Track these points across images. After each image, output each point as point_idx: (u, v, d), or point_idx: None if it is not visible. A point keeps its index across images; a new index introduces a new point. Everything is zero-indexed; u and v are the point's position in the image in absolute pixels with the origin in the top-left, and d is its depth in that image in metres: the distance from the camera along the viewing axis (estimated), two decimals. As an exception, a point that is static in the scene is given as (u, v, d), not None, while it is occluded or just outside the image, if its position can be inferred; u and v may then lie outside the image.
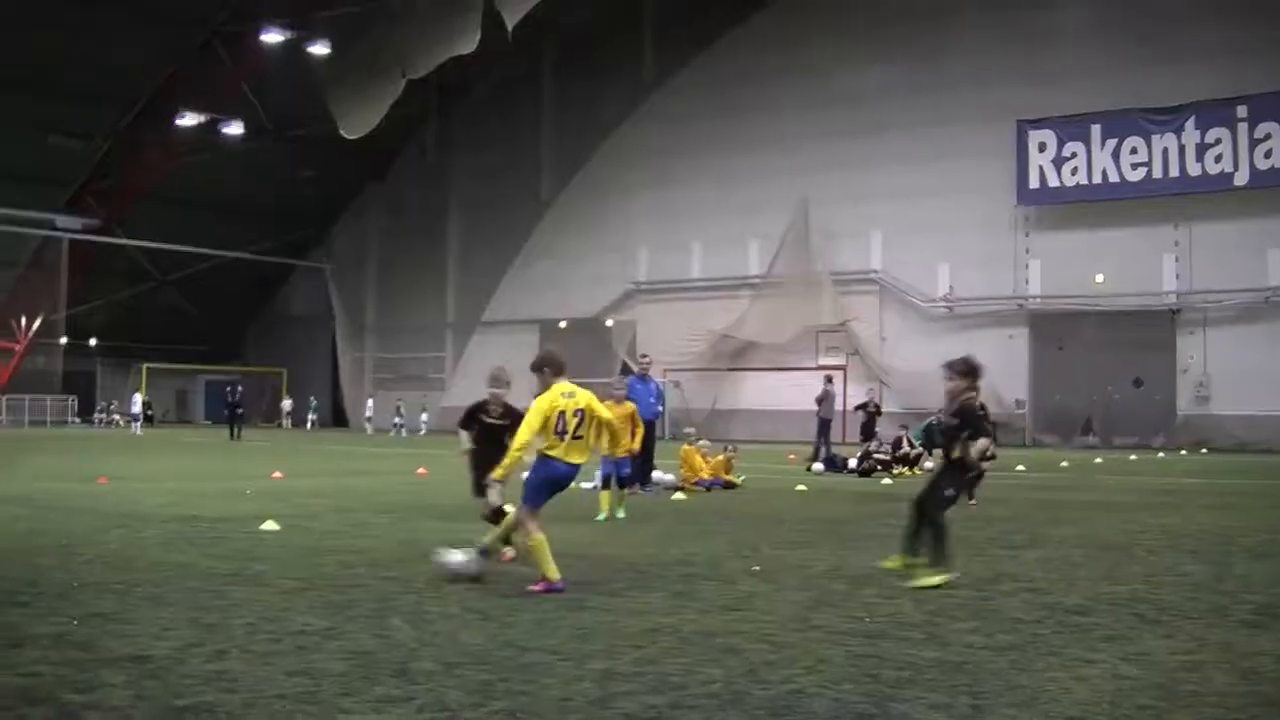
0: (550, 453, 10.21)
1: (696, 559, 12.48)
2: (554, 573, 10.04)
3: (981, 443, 11.30)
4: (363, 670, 7.17)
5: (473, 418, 12.72)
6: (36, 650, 7.67)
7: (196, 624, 8.58)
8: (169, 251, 68.68)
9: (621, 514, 17.16)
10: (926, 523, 11.09)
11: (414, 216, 73.64)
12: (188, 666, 7.24)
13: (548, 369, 10.57)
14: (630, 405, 18.42)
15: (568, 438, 10.19)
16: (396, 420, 63.41)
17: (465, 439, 12.78)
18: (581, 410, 10.28)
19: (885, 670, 7.29)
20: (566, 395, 10.31)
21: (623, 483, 17.95)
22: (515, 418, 11.44)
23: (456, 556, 10.74)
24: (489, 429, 12.43)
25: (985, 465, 15.14)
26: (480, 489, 11.98)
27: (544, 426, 10.16)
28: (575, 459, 10.31)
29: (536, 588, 10.02)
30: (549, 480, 10.36)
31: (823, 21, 56.77)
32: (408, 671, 7.15)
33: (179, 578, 10.77)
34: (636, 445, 18.00)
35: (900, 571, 11.12)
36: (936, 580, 10.64)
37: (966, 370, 11.64)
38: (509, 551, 11.71)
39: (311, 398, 71.46)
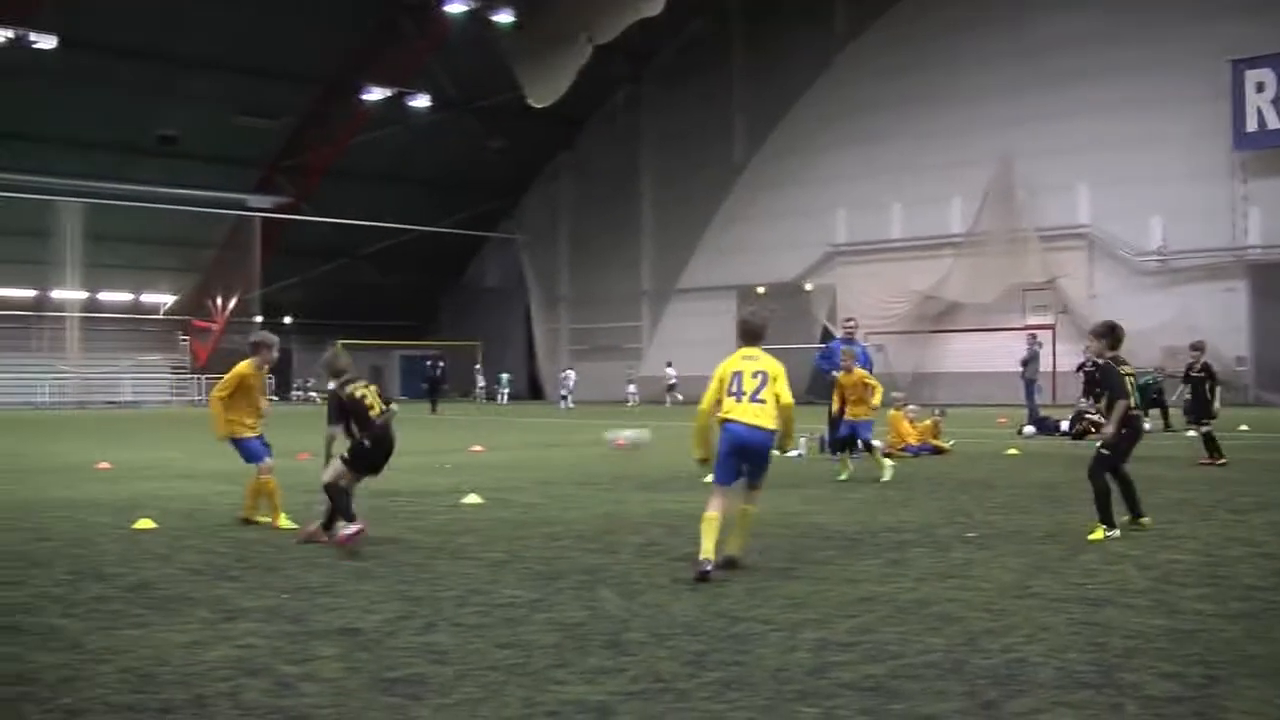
0: (727, 415, 9.52)
1: (908, 526, 12.32)
2: (707, 551, 9.18)
3: (1120, 405, 11.25)
4: (574, 642, 7.16)
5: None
6: (250, 623, 7.85)
7: (404, 597, 8.69)
8: (360, 227, 69.70)
9: (844, 476, 17.67)
10: (1120, 481, 11.43)
11: (605, 184, 73.70)
12: (398, 639, 7.33)
13: (738, 335, 10.12)
14: (860, 371, 18.66)
15: (745, 399, 9.46)
16: (563, 393, 62.35)
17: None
18: (763, 372, 9.55)
19: (1111, 639, 7.07)
20: (747, 358, 9.70)
21: (867, 445, 18.19)
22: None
23: (628, 432, 10.84)
24: None
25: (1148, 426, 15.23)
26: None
27: (720, 390, 9.61)
28: (754, 421, 9.46)
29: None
30: (729, 447, 9.58)
31: (1019, -32, 55.53)
32: (619, 643, 7.13)
33: (384, 552, 10.91)
34: (876, 400, 18.58)
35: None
36: (1099, 535, 10.98)
37: (1102, 332, 11.86)
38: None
39: (503, 374, 71.66)
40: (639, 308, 72.84)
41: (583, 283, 76.02)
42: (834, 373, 20.06)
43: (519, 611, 8.09)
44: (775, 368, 9.61)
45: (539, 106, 60.22)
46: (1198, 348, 20.26)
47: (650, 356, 69.45)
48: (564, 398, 61.04)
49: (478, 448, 24.22)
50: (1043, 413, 30.40)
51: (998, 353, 49.45)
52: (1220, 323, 48.46)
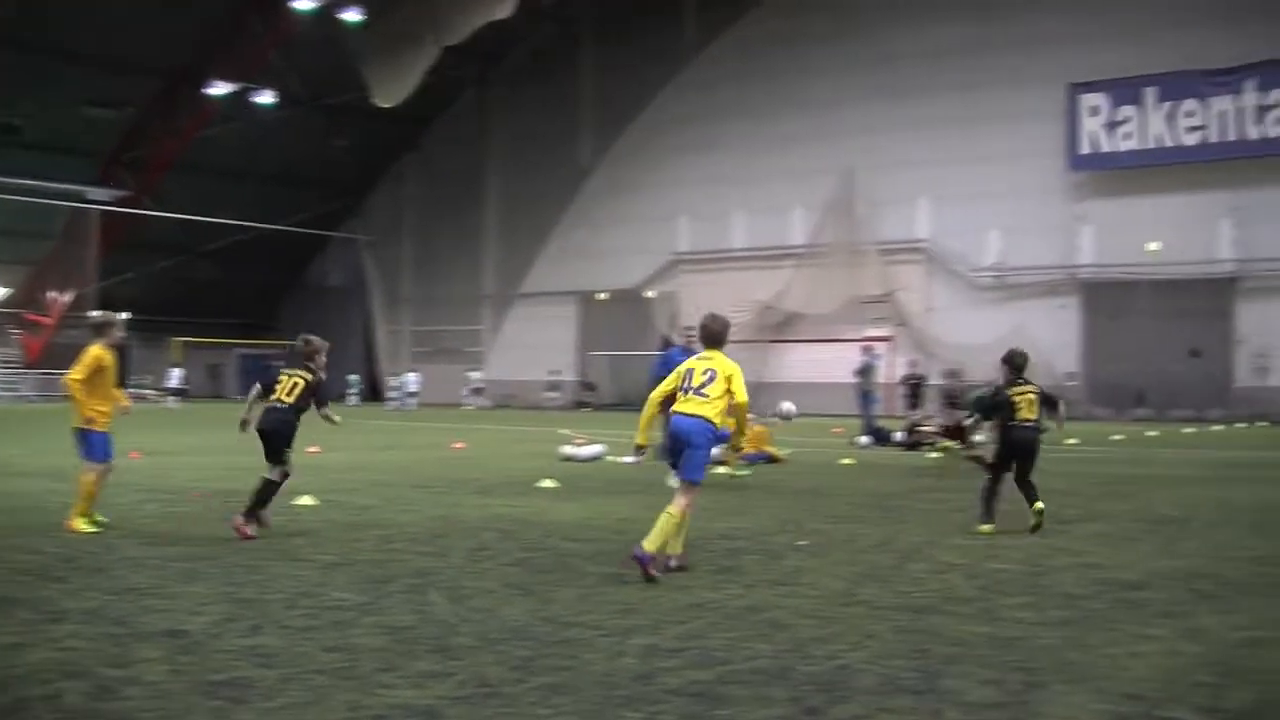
0: (675, 409, 9.99)
1: (741, 533, 12.40)
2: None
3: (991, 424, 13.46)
4: (402, 646, 7.09)
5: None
6: (73, 625, 7.65)
7: (232, 599, 8.53)
8: (202, 223, 68.08)
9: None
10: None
11: (451, 185, 72.99)
12: (224, 641, 7.19)
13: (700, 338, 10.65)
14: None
15: (690, 393, 9.90)
16: (393, 394, 62.46)
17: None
18: (712, 370, 9.96)
19: (935, 645, 7.19)
20: (702, 359, 10.21)
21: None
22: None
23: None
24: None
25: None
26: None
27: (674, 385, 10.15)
28: (693, 411, 9.83)
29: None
30: (669, 434, 10.17)
31: (869, -17, 56.45)
32: (447, 647, 7.06)
33: (215, 553, 10.72)
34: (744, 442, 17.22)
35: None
36: (984, 529, 12.43)
37: (1006, 359, 13.26)
38: None
39: (351, 375, 70.57)
40: (481, 311, 72.37)
41: (426, 284, 75.25)
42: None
43: (348, 614, 7.99)
44: (728, 367, 9.97)
45: (385, 106, 59.67)
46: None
47: (492, 360, 69.18)
48: (401, 399, 60.71)
49: (314, 449, 23.86)
50: (878, 423, 30.76)
51: (836, 363, 50.04)
52: (1053, 338, 49.81)
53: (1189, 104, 49.44)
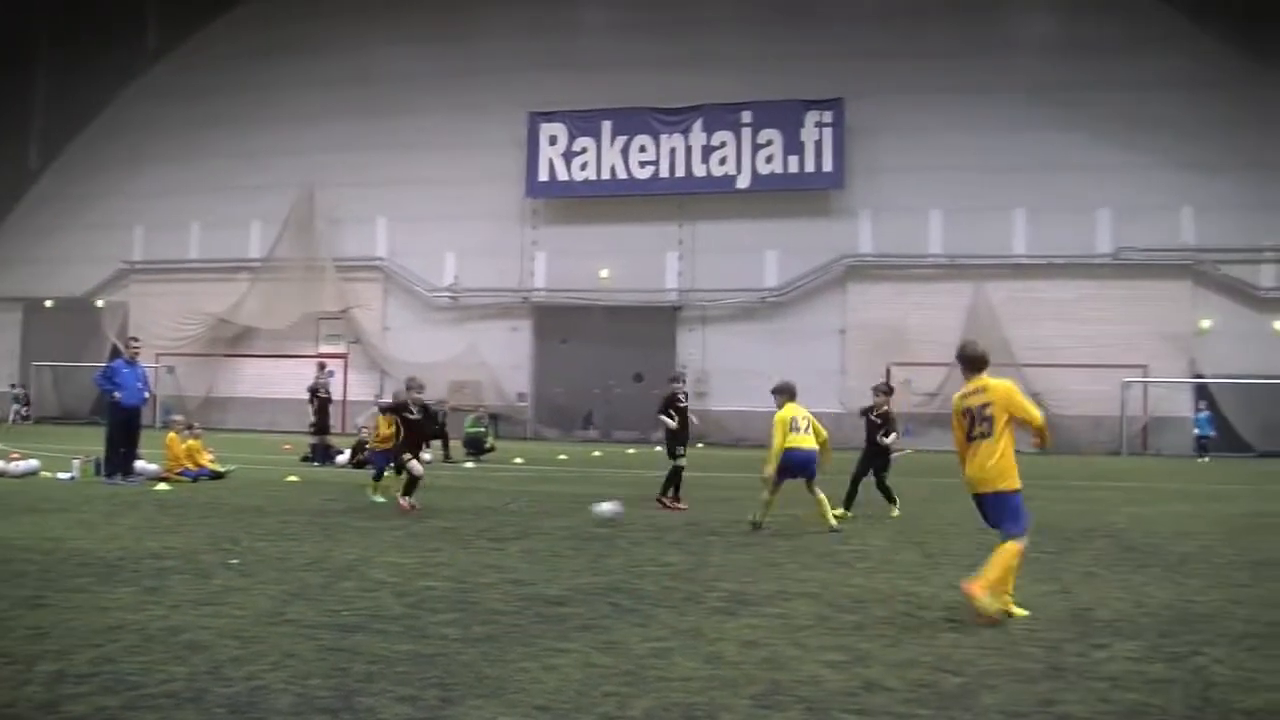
0: (790, 445, 15.18)
1: (172, 552, 12.08)
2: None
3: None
4: None
5: (397, 412, 18.38)
6: None
7: None
8: None
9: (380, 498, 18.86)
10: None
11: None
12: None
13: (782, 395, 15.82)
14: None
15: (799, 433, 15.30)
16: None
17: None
18: (808, 418, 15.59)
19: (356, 664, 7.25)
20: (794, 410, 15.56)
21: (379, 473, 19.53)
22: (429, 415, 18.82)
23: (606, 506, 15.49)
24: (411, 423, 17.99)
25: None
26: (399, 467, 18.02)
27: (784, 430, 15.21)
28: (805, 445, 15.32)
29: None
30: (787, 464, 15.22)
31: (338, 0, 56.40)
32: None
33: None
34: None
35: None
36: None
37: (884, 389, 18.78)
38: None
39: None
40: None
41: None
42: (115, 393, 19.72)
43: None
44: (807, 413, 15.67)
45: None
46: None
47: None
48: None
49: None
50: (328, 440, 30.43)
51: (289, 379, 49.57)
52: (505, 359, 51.08)
53: (642, 139, 51.86)
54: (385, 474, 19.12)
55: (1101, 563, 12.72)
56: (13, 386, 58.40)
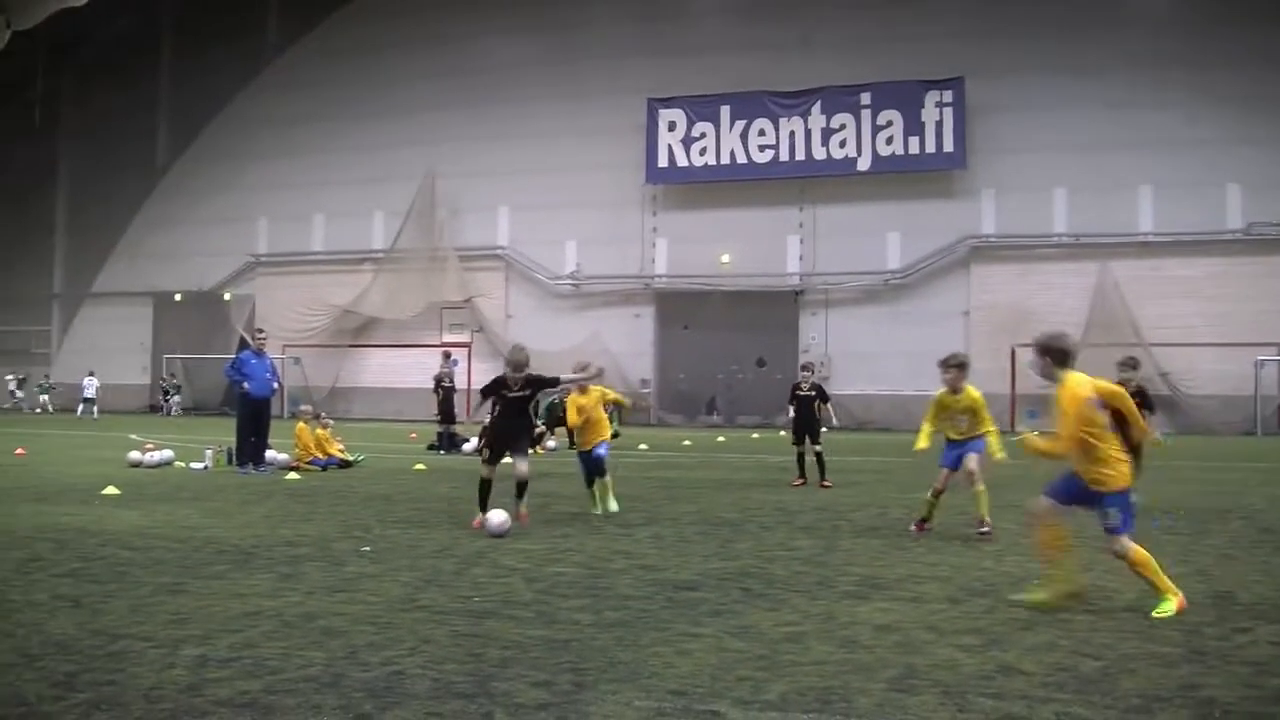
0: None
1: (306, 540, 12.28)
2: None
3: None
4: (-72, 664, 6.72)
5: (495, 391, 13.74)
6: None
7: None
8: None
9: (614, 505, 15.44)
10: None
11: (18, 178, 68.95)
12: None
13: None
14: (597, 391, 15.61)
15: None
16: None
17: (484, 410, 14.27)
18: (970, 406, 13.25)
19: (490, 649, 7.28)
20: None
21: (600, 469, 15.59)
22: (536, 385, 13.97)
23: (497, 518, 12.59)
24: (510, 402, 13.68)
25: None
26: (496, 457, 13.65)
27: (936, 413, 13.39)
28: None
29: None
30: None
31: (456, -10, 56.76)
32: (-18, 665, 6.74)
33: None
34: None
35: None
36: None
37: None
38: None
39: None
40: (49, 311, 68.54)
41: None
42: (244, 385, 20.14)
43: (-127, 633, 7.51)
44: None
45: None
46: (807, 368, 21.08)
47: (61, 363, 65.68)
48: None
49: None
50: (453, 430, 30.57)
51: (413, 369, 50.16)
52: (628, 346, 51.22)
53: (761, 123, 51.81)
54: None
55: (1239, 545, 12.46)
56: (163, 380, 59.62)
